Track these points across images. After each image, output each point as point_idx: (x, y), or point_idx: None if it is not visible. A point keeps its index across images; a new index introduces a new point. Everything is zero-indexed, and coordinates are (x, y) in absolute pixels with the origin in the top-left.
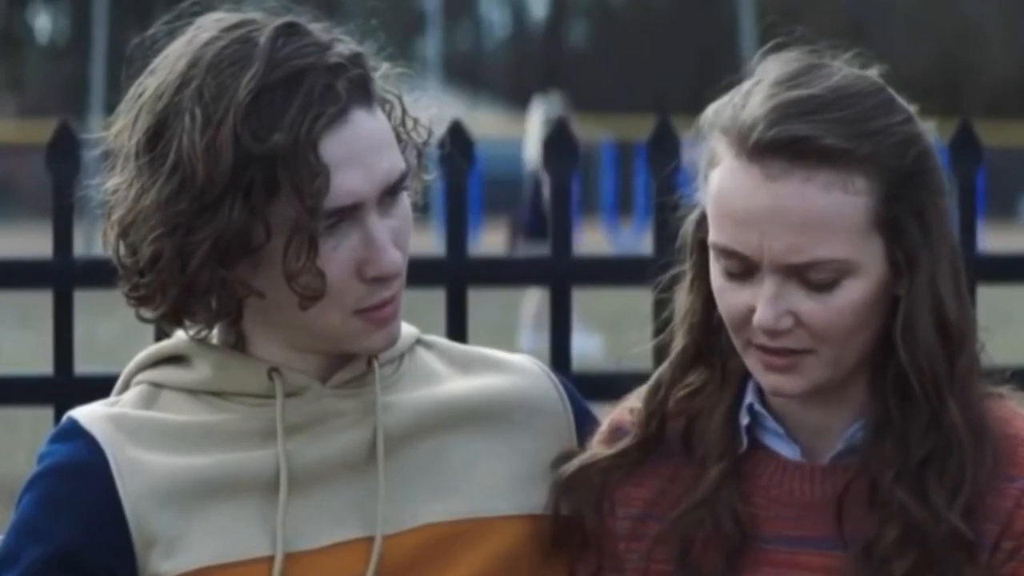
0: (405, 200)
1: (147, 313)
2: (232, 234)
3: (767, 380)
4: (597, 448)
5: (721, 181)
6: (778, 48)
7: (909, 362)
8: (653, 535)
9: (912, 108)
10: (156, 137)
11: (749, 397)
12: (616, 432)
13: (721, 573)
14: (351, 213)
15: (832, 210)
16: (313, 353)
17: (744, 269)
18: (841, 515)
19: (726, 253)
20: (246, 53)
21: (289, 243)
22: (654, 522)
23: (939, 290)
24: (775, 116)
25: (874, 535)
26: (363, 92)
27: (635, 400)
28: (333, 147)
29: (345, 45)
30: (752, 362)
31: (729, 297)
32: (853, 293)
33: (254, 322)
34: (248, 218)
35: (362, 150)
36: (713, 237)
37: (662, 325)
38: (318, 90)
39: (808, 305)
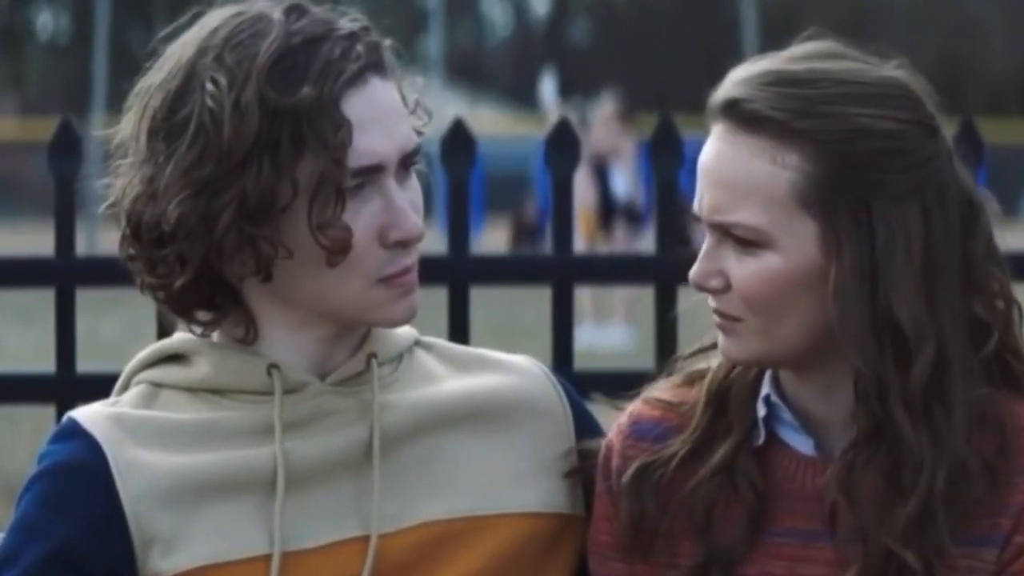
0: (416, 178)
1: (161, 294)
2: (259, 193)
3: (719, 342)
4: (615, 439)
5: None
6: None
7: (849, 356)
8: (674, 507)
9: (932, 120)
10: (172, 112)
11: (766, 388)
12: (637, 426)
13: (743, 541)
14: (372, 177)
15: (753, 177)
16: (324, 338)
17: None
18: (838, 511)
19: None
20: (262, 27)
21: (314, 197)
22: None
23: (882, 290)
24: (737, 80)
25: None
26: (378, 59)
27: (660, 391)
28: (355, 105)
29: (353, 20)
30: None
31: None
32: (770, 265)
33: (270, 299)
34: (275, 176)
35: (382, 113)
36: None
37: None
38: (339, 51)
39: (732, 265)
